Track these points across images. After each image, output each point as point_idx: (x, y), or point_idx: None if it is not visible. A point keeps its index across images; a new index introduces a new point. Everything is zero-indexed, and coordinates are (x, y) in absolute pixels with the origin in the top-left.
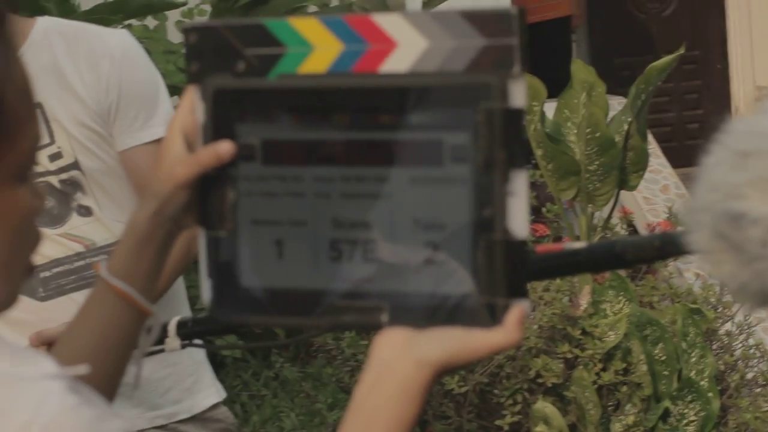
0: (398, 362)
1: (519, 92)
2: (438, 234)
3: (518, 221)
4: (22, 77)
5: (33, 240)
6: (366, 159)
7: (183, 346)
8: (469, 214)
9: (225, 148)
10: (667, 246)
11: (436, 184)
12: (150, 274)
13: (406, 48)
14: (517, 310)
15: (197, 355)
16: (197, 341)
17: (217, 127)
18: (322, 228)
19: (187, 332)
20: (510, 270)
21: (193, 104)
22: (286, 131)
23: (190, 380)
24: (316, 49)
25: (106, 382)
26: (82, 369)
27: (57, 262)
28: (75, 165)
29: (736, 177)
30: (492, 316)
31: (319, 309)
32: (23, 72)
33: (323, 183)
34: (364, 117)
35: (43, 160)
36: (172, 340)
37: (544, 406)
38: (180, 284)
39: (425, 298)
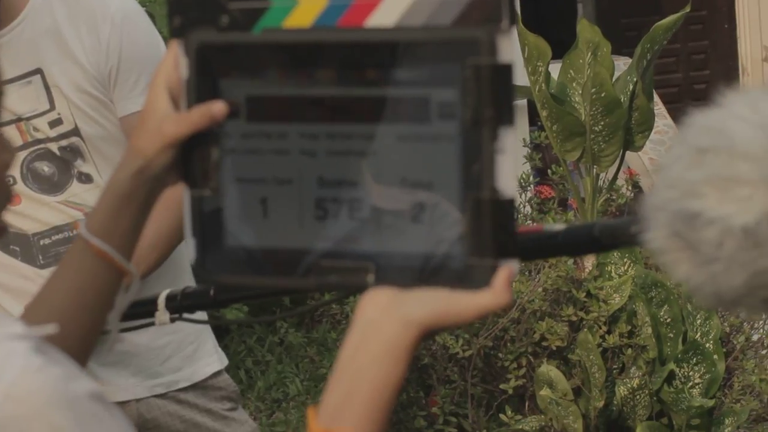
0: (384, 322)
1: (507, 47)
2: (425, 192)
3: (506, 180)
4: None
5: (3, 197)
6: (352, 116)
7: (172, 320)
8: (456, 172)
9: (218, 108)
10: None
11: (423, 141)
12: (130, 233)
13: (393, 1)
14: (505, 271)
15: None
16: (187, 315)
17: (200, 82)
18: (308, 186)
19: (176, 306)
20: (498, 230)
21: (176, 59)
22: (270, 87)
23: (191, 348)
24: (302, 2)
25: (81, 341)
26: (50, 329)
27: (57, 229)
28: (75, 131)
29: (694, 174)
30: (480, 277)
31: (304, 269)
32: None
33: (309, 140)
34: (350, 72)
35: (43, 127)
36: (162, 314)
37: (548, 369)
38: (182, 249)
39: (412, 259)
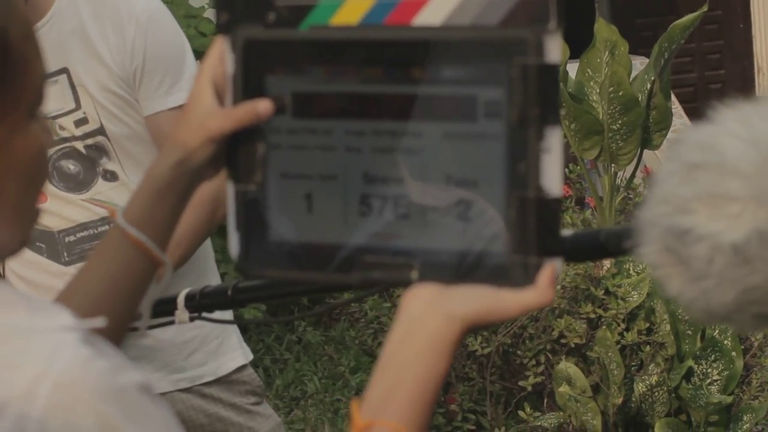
0: (428, 316)
1: (555, 47)
2: (470, 190)
3: (552, 179)
4: (23, 15)
5: (41, 179)
6: (398, 113)
7: (191, 319)
8: (502, 170)
9: (264, 106)
10: None
11: (469, 139)
12: (166, 224)
13: (440, 0)
14: (549, 269)
15: (224, 317)
16: (206, 314)
17: (246, 78)
18: (353, 182)
19: (195, 305)
20: (543, 228)
21: (222, 55)
22: (316, 84)
23: (215, 343)
24: (349, 0)
25: (113, 330)
26: (99, 321)
27: (82, 226)
28: (100, 130)
29: (685, 190)
30: (524, 275)
31: (347, 264)
32: (23, 9)
33: (354, 137)
34: (396, 70)
35: (69, 126)
36: (182, 313)
37: (567, 366)
38: (208, 248)
39: (456, 256)
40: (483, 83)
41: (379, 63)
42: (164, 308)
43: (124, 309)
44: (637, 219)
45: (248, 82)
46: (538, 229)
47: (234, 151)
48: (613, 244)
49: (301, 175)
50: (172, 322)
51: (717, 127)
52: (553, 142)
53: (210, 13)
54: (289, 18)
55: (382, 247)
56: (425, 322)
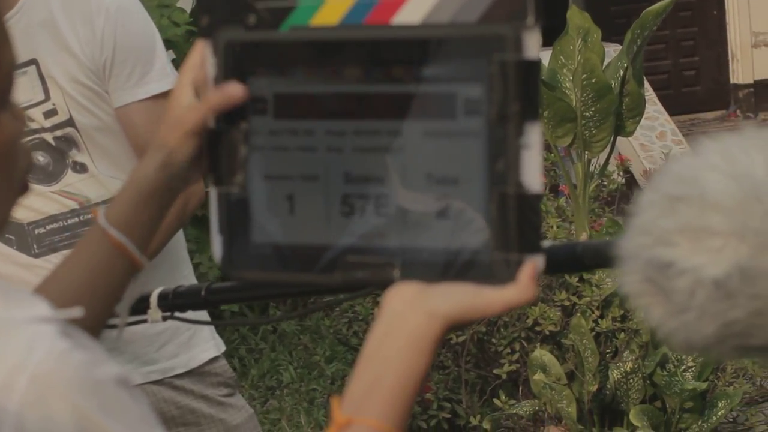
0: (409, 314)
1: (533, 43)
2: (451, 188)
3: (532, 175)
4: None
5: (23, 161)
6: (378, 112)
7: (164, 318)
8: (482, 167)
9: (235, 89)
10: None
11: (449, 137)
12: (148, 228)
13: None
14: (530, 266)
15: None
16: (180, 315)
17: (228, 80)
18: (334, 183)
19: (168, 304)
20: (523, 224)
21: (204, 58)
22: (298, 84)
23: (187, 335)
24: (328, 1)
25: (89, 328)
26: (76, 312)
27: (52, 218)
28: (70, 122)
29: (667, 222)
30: (505, 272)
31: (330, 265)
32: None
33: (335, 137)
34: (376, 70)
35: (38, 117)
36: (155, 312)
37: (542, 354)
38: (180, 238)
39: (437, 254)
40: (462, 81)
41: (359, 63)
42: (137, 306)
43: (100, 308)
44: (617, 247)
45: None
46: (518, 226)
47: (216, 153)
48: (590, 257)
49: (283, 176)
50: (145, 321)
51: (699, 160)
52: (533, 138)
53: (183, 2)
54: (269, 20)
55: (364, 247)
56: (406, 319)
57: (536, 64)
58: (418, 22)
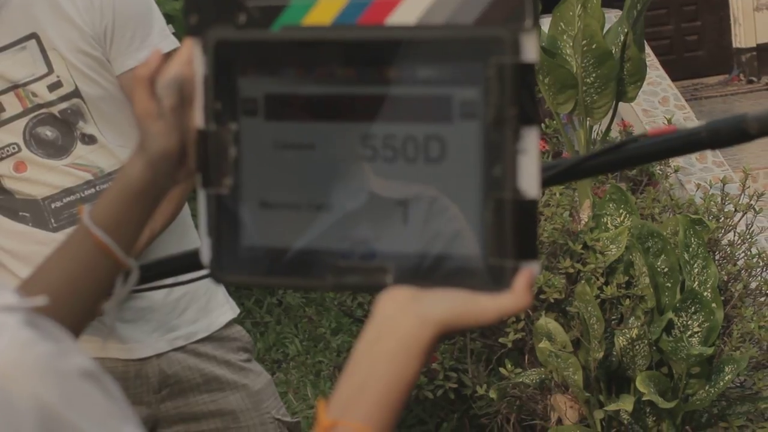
0: (401, 318)
1: (531, 46)
2: (446, 193)
3: (529, 180)
4: None
5: None
6: (372, 114)
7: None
8: (478, 172)
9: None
10: None
11: (445, 140)
12: (134, 228)
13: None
14: (526, 273)
15: None
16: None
17: (218, 80)
18: (326, 185)
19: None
20: (520, 231)
21: (191, 56)
22: (289, 85)
23: (204, 299)
24: (321, 0)
25: (71, 324)
26: (40, 300)
27: (68, 191)
28: (76, 93)
29: None
30: (500, 279)
31: (321, 269)
32: None
33: (327, 138)
34: (369, 71)
35: (42, 91)
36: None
37: (547, 322)
38: (185, 212)
39: (431, 259)
40: (458, 83)
41: (352, 63)
42: (184, 263)
43: (82, 307)
44: None
45: (220, 84)
46: (514, 232)
47: (205, 154)
48: (755, 128)
49: (274, 178)
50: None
51: None
52: (530, 142)
53: None
54: (260, 19)
55: (356, 251)
56: (397, 323)
57: (533, 67)
58: (414, 23)
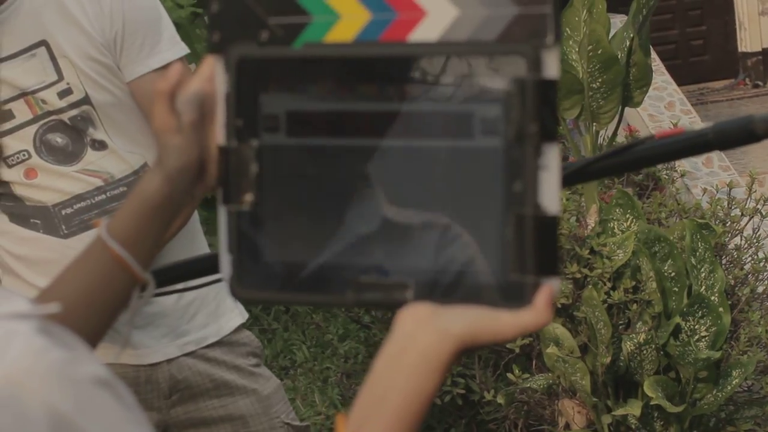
0: (420, 333)
1: (552, 62)
2: (467, 209)
3: (550, 196)
4: None
5: None
6: (394, 131)
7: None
8: (499, 188)
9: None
10: None
11: (465, 157)
12: (151, 242)
13: (436, 17)
14: (546, 290)
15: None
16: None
17: (240, 97)
18: (348, 201)
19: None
20: (540, 247)
21: (212, 73)
22: (311, 102)
23: (214, 304)
24: (343, 17)
25: (87, 336)
26: (53, 307)
27: (78, 197)
28: (86, 100)
29: None
30: (521, 296)
31: (342, 285)
32: None
33: (349, 155)
34: (391, 87)
35: (52, 99)
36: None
37: (554, 327)
38: (194, 217)
39: (452, 275)
40: (480, 100)
41: (374, 80)
42: (202, 266)
43: (98, 321)
44: None
45: (241, 101)
46: (535, 248)
47: (226, 170)
48: (762, 128)
49: (295, 195)
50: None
51: None
52: (551, 158)
53: None
54: (282, 36)
55: (378, 267)
56: (417, 338)
57: (555, 84)
58: (436, 40)
